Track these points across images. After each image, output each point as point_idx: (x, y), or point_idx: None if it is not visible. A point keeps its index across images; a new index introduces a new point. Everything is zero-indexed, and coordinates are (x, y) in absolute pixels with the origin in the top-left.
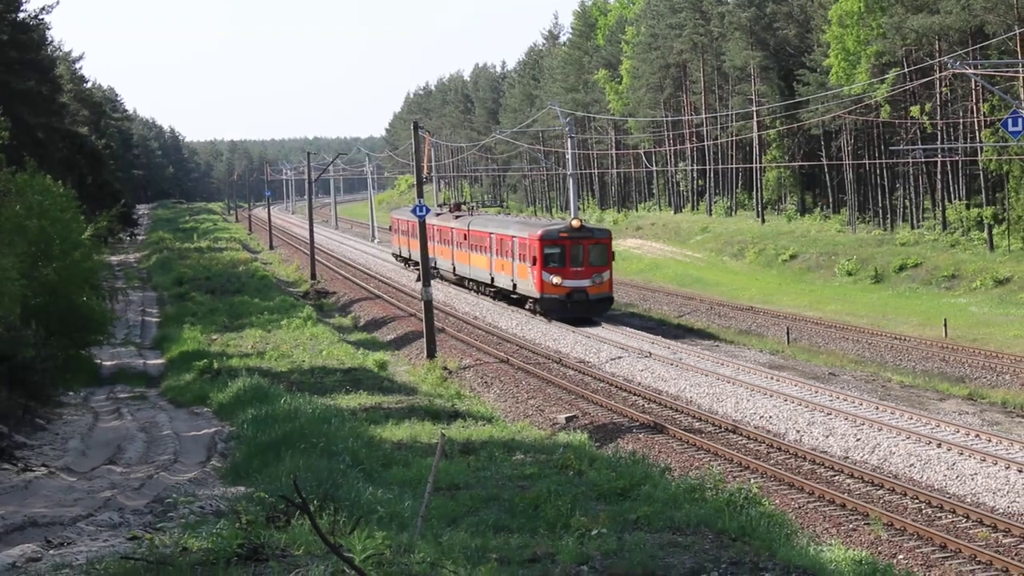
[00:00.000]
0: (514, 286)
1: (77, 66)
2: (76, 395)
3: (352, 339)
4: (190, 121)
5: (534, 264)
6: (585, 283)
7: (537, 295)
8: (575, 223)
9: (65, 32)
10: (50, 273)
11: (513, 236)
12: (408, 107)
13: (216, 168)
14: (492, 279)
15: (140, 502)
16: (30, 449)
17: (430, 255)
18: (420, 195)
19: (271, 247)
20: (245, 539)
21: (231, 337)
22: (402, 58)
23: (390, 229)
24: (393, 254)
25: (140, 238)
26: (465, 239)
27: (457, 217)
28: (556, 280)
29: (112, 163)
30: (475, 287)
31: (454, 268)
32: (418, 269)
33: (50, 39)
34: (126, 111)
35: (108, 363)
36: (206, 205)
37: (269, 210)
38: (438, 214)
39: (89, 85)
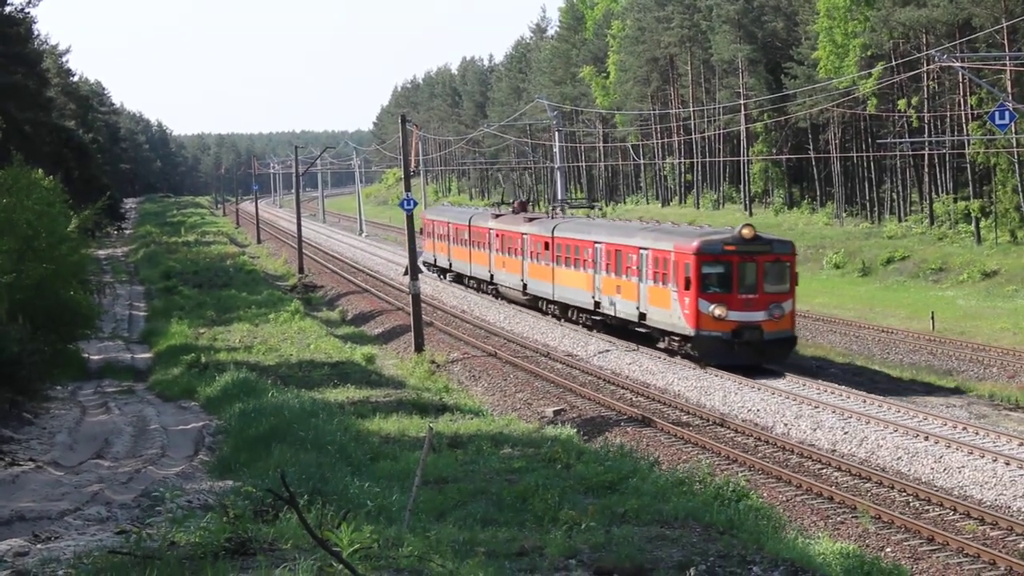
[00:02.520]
0: (641, 316)
1: (64, 60)
2: (63, 389)
3: (340, 333)
4: (177, 115)
5: (685, 288)
6: (759, 316)
7: (689, 331)
8: (746, 231)
9: (52, 26)
10: (37, 267)
11: (642, 248)
12: (396, 100)
13: (203, 162)
14: (597, 304)
15: (128, 496)
16: (17, 443)
17: (484, 265)
18: (408, 188)
19: (259, 241)
20: (233, 533)
21: (219, 331)
22: (390, 52)
23: (421, 232)
24: (424, 263)
25: (127, 232)
26: (547, 249)
27: (530, 220)
28: (718, 312)
29: (99, 157)
30: (559, 311)
31: (525, 286)
32: (474, 285)
33: (36, 33)
34: (113, 105)
35: (95, 357)
36: (193, 199)
37: (257, 204)
38: (497, 215)
39: (76, 79)
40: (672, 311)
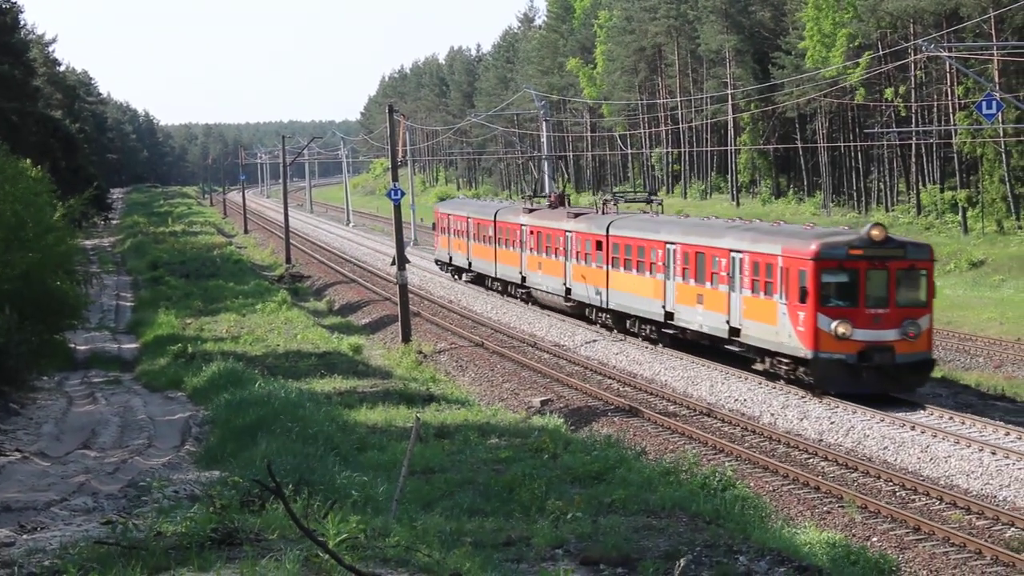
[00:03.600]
0: (733, 332)
1: (50, 49)
2: (50, 380)
3: (327, 323)
4: (164, 104)
5: (800, 300)
6: (890, 335)
7: (803, 352)
8: (875, 232)
9: (38, 15)
10: (24, 257)
11: (735, 251)
12: (383, 90)
13: (191, 152)
14: (670, 315)
15: (114, 487)
16: (3, 434)
17: (513, 266)
18: (395, 179)
19: (246, 231)
20: (219, 523)
21: (206, 321)
22: (377, 41)
23: (433, 227)
24: (437, 261)
25: (114, 222)
26: (599, 249)
27: (576, 216)
28: (841, 329)
29: (86, 147)
30: (612, 321)
31: (568, 290)
32: (499, 287)
33: (23, 23)
34: (100, 94)
35: (82, 347)
36: (180, 189)
37: (244, 194)
38: (530, 209)
39: (63, 69)
40: (779, 327)
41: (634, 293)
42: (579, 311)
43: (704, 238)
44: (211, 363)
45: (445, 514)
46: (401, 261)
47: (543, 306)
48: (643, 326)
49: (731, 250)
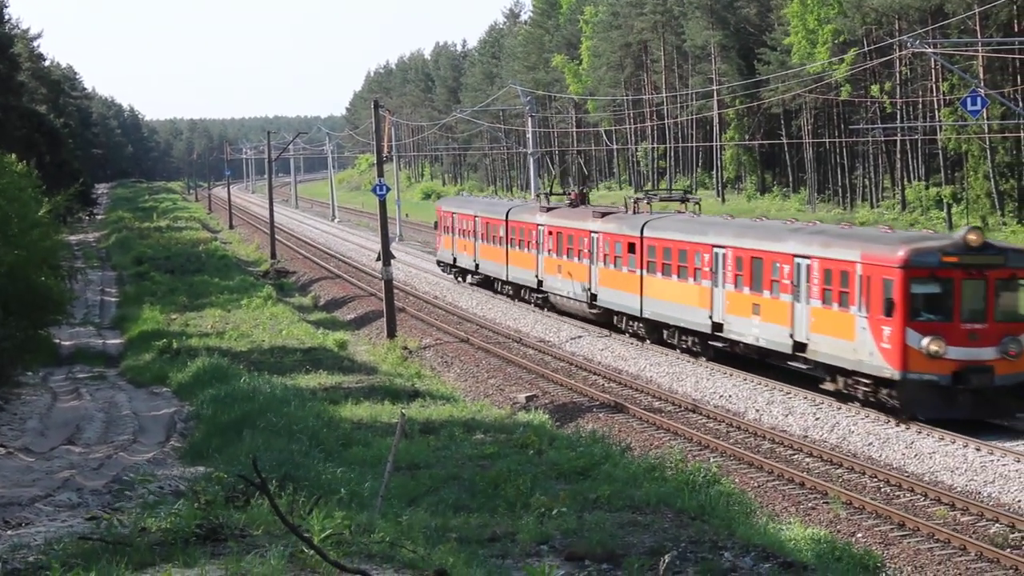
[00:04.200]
0: (798, 347)
1: (35, 44)
2: (34, 375)
3: (312, 319)
4: (149, 100)
5: (885, 313)
6: (989, 354)
7: (888, 372)
8: (972, 237)
9: (23, 10)
10: (8, 253)
11: (800, 256)
12: (368, 86)
13: (176, 147)
14: (718, 326)
15: (99, 482)
16: None
17: (528, 269)
18: (380, 174)
19: (231, 226)
20: (204, 519)
21: (191, 317)
22: (362, 37)
23: (435, 226)
24: (440, 262)
25: (99, 217)
26: (631, 252)
27: (603, 216)
28: (934, 347)
29: (71, 142)
30: (646, 330)
31: (593, 296)
32: (509, 291)
33: (8, 17)
34: (85, 90)
35: (67, 343)
36: (166, 184)
37: (229, 189)
38: (547, 208)
39: (48, 64)
40: (858, 343)
41: (674, 301)
42: (605, 319)
43: (761, 241)
44: (196, 359)
45: (430, 510)
46: (386, 257)
47: (561, 312)
48: (684, 337)
49: (796, 255)
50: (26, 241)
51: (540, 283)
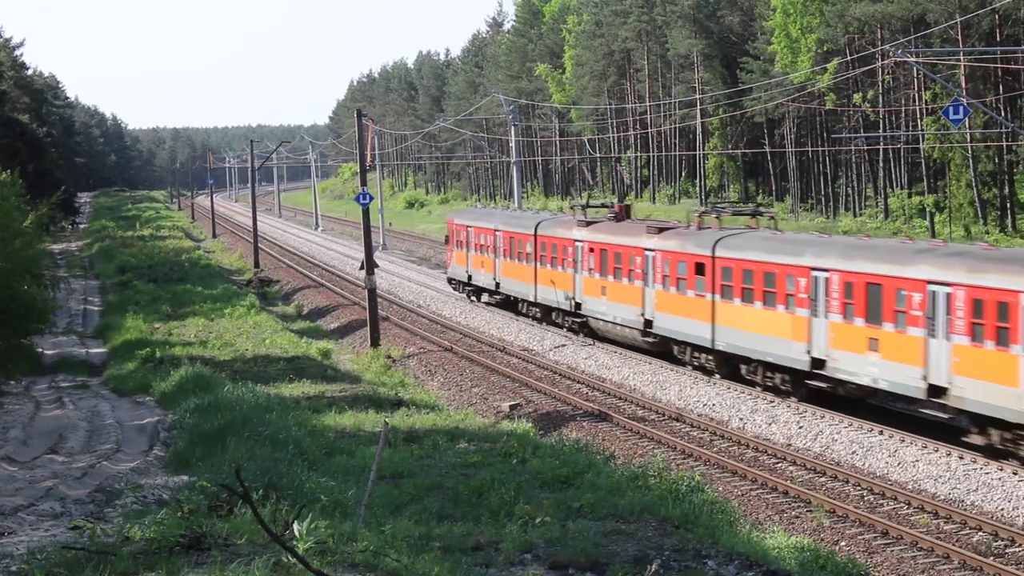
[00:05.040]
0: (934, 391)
1: (18, 53)
2: (17, 384)
3: (295, 328)
4: (132, 108)
5: None
6: None
7: None
8: None
9: (5, 19)
10: None
11: (941, 284)
12: (352, 95)
13: (159, 156)
14: (819, 362)
15: (82, 491)
16: None
17: (563, 290)
18: (364, 183)
19: (214, 235)
20: (187, 528)
21: (174, 326)
22: (345, 45)
23: (446, 241)
24: (452, 279)
25: (82, 226)
26: (700, 273)
27: (660, 231)
28: None
29: (54, 151)
30: (716, 363)
31: (648, 323)
32: (537, 314)
33: None
34: (68, 98)
35: (50, 352)
36: (149, 193)
37: (212, 198)
38: (587, 222)
39: (30, 72)
40: None
41: (758, 332)
42: (663, 348)
43: (880, 264)
44: (179, 368)
45: (414, 519)
46: (370, 265)
47: (603, 339)
48: (769, 374)
49: (930, 281)
50: (9, 250)
51: (577, 306)
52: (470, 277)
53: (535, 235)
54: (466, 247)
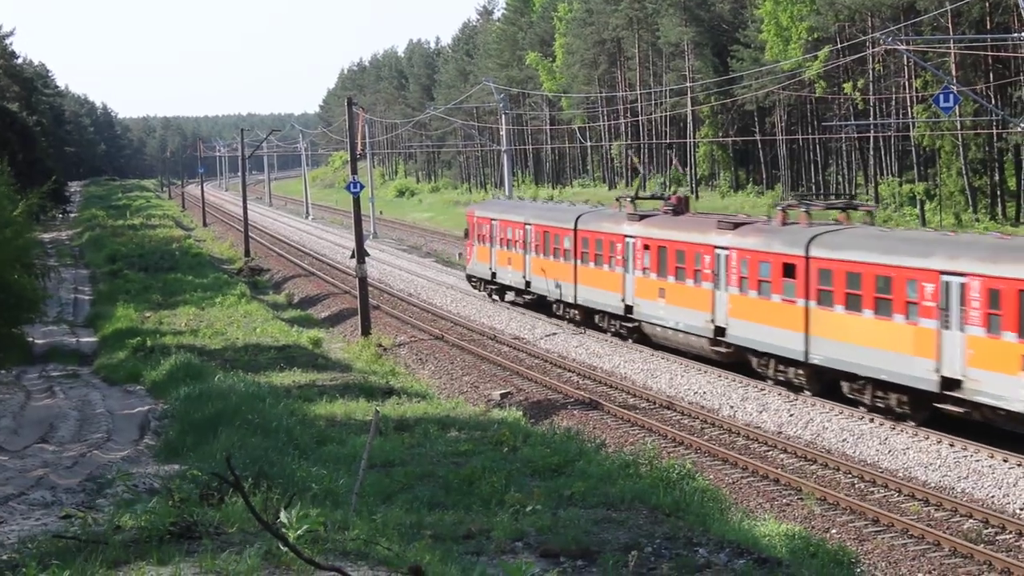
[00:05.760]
0: None
1: (7, 42)
2: (8, 373)
3: (286, 316)
4: (122, 97)
5: None
6: None
7: None
8: None
9: None
10: None
11: None
12: (342, 83)
13: (149, 145)
14: (952, 382)
15: (73, 480)
16: None
17: (610, 291)
18: (354, 172)
19: (205, 224)
20: (178, 517)
21: (165, 315)
22: (336, 34)
23: (465, 235)
24: (472, 277)
25: (72, 215)
26: (789, 276)
27: (736, 227)
28: None
29: (43, 140)
30: (807, 378)
31: (719, 330)
32: (577, 316)
33: None
34: (58, 87)
35: (40, 341)
36: (139, 182)
37: (203, 187)
38: (639, 216)
39: (20, 61)
40: None
41: (869, 345)
42: (737, 359)
43: None
44: (170, 357)
45: (405, 507)
46: (360, 254)
47: (662, 348)
48: (883, 393)
49: None
50: None
51: (628, 309)
52: (494, 275)
53: (575, 229)
54: (490, 242)
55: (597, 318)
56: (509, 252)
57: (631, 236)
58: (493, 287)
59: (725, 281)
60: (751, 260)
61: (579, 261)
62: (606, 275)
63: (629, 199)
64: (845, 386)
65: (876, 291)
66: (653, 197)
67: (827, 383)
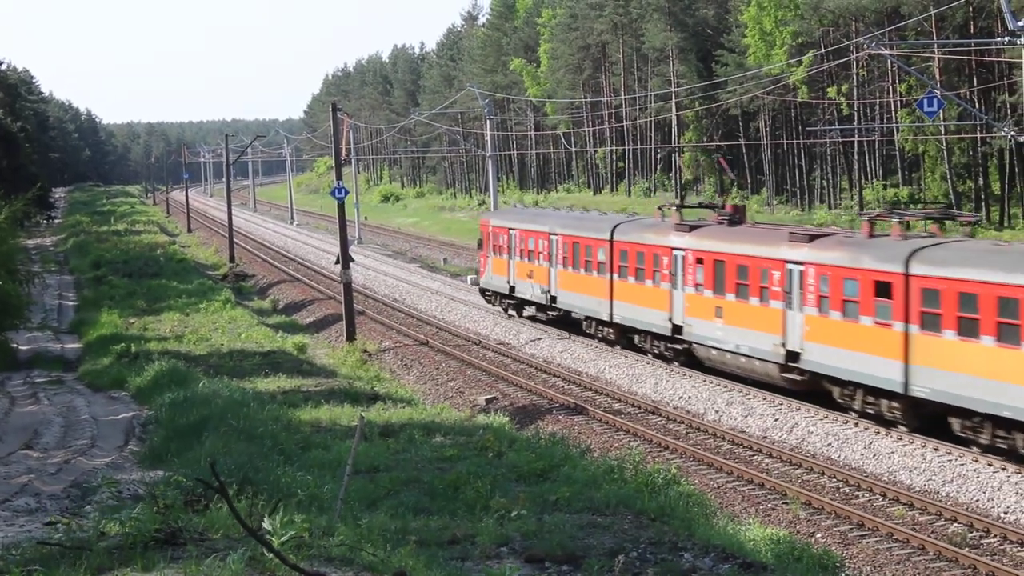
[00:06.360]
0: None
1: None
2: None
3: (271, 322)
4: (107, 103)
5: None
6: None
7: None
8: None
9: None
10: None
11: None
12: (327, 89)
13: (133, 151)
14: None
15: (57, 487)
16: None
17: (654, 308)
18: (339, 177)
19: (189, 230)
20: (163, 523)
21: (149, 321)
22: (320, 39)
23: (479, 245)
24: (484, 290)
25: (57, 221)
26: (882, 295)
27: (811, 240)
28: None
29: (28, 146)
30: (907, 415)
31: (792, 355)
32: (612, 334)
33: None
34: (42, 93)
35: (24, 347)
36: (123, 188)
37: (187, 193)
38: (689, 227)
39: (3, 67)
40: None
41: (990, 378)
42: (813, 387)
43: None
44: (154, 362)
45: (390, 513)
46: (345, 259)
47: (717, 373)
48: (1007, 432)
49: None
50: None
51: (677, 329)
52: (512, 289)
53: (611, 240)
54: (508, 253)
55: (637, 338)
56: (531, 264)
57: (680, 248)
58: (511, 302)
59: (799, 300)
60: (833, 277)
61: (616, 275)
62: (649, 291)
63: (674, 207)
64: (956, 423)
65: (999, 315)
66: (700, 205)
67: (929, 418)
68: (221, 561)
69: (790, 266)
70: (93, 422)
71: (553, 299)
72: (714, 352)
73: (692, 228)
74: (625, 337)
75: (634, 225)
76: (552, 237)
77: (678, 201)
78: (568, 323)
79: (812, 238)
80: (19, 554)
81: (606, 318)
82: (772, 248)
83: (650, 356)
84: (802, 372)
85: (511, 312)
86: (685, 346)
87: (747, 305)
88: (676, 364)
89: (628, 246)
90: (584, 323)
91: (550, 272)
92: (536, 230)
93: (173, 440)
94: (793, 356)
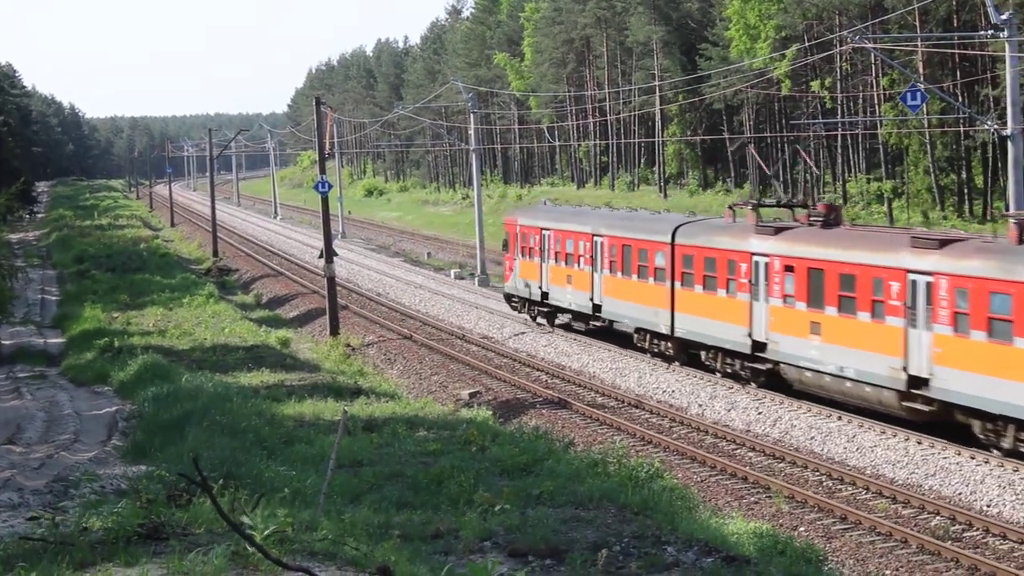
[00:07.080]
0: None
1: None
2: None
3: (255, 316)
4: (90, 97)
5: None
6: None
7: None
8: None
9: None
10: None
11: None
12: (310, 83)
13: (117, 145)
14: None
15: (40, 482)
16: None
17: (730, 323)
18: (323, 171)
19: (172, 224)
20: (146, 518)
21: (132, 315)
22: (304, 33)
23: (504, 246)
24: (509, 295)
25: (40, 216)
26: None
27: (944, 245)
28: None
29: (10, 140)
30: None
31: (915, 382)
32: (671, 350)
33: None
34: (24, 87)
35: (7, 342)
36: (107, 182)
37: (171, 187)
38: (775, 228)
39: None
40: None
41: None
42: (944, 418)
43: None
44: (138, 357)
45: (373, 507)
46: (329, 254)
47: (809, 397)
48: None
49: None
50: None
51: (759, 346)
52: (545, 295)
53: (672, 243)
54: (540, 256)
55: (704, 355)
56: (569, 269)
57: (762, 254)
58: (544, 309)
59: (927, 317)
60: (974, 290)
61: (678, 283)
62: (722, 302)
63: (750, 206)
64: None
65: None
66: (781, 204)
67: None
68: (204, 556)
69: (914, 276)
70: (76, 417)
71: (597, 307)
72: (808, 374)
73: (778, 231)
74: (686, 353)
75: (700, 227)
76: (596, 239)
77: (754, 199)
78: (612, 334)
79: (942, 244)
80: (1, 549)
81: (665, 331)
82: (888, 255)
83: (718, 375)
84: (930, 401)
85: (540, 321)
86: (769, 366)
87: (854, 321)
88: (752, 386)
89: (694, 250)
90: (636, 336)
91: (593, 278)
92: (575, 231)
93: (156, 435)
94: (917, 382)
